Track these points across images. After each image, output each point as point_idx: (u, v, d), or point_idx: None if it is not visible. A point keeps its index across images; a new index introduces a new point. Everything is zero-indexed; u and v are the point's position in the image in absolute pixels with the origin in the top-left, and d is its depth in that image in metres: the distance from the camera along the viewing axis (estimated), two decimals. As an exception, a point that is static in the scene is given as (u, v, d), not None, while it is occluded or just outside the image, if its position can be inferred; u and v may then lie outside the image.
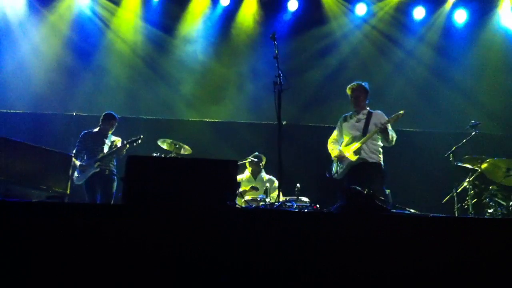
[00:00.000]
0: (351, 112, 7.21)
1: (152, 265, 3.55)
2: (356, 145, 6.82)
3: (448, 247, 3.82)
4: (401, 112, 6.77)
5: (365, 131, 6.87)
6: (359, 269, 3.70)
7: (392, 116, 6.79)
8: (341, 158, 6.96)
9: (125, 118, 9.28)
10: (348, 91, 7.13)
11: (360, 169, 6.76)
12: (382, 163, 6.94)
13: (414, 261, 3.76)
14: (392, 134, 6.85)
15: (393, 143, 6.90)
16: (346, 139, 7.06)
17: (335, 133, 7.31)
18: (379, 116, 6.98)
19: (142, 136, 8.06)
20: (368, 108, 7.10)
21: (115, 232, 3.64)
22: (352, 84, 7.15)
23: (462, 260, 3.79)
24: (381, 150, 7.00)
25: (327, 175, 7.18)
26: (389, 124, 6.79)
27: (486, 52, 10.65)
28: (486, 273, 3.75)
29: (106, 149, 8.08)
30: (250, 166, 8.60)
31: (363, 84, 7.12)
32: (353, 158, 6.81)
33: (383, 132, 6.73)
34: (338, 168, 7.00)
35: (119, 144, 8.16)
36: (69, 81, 10.11)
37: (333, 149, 7.15)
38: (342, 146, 7.07)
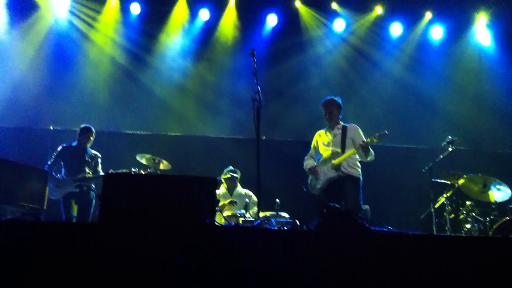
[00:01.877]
0: (325, 128, 7.23)
1: (129, 284, 3.51)
2: (335, 161, 6.83)
3: (426, 265, 3.84)
4: (386, 132, 6.82)
5: (343, 146, 6.90)
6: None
7: (377, 134, 6.81)
8: (316, 172, 6.98)
9: (103, 132, 9.19)
10: (322, 107, 7.17)
11: (338, 183, 6.79)
12: (360, 177, 6.94)
13: (393, 279, 3.77)
14: (371, 151, 6.90)
15: (372, 159, 6.95)
16: (324, 155, 7.04)
17: (311, 150, 7.33)
18: (353, 130, 7.05)
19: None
20: (341, 122, 7.15)
21: (91, 251, 3.59)
22: (325, 99, 7.19)
23: (440, 278, 3.82)
24: (359, 164, 7.01)
25: (305, 190, 7.17)
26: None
27: (461, 68, 10.82)
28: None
29: (86, 167, 7.99)
30: (226, 182, 8.54)
31: (335, 98, 7.17)
32: (333, 174, 6.83)
33: (365, 149, 6.77)
34: (316, 182, 7.01)
35: (99, 160, 8.16)
36: (45, 94, 9.95)
37: (308, 164, 7.18)
38: (320, 161, 7.07)
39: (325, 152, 7.04)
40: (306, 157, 7.34)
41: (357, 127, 7.10)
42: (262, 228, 4.94)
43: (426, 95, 10.55)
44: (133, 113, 10.17)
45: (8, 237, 3.65)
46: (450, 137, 7.96)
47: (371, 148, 6.90)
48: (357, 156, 6.98)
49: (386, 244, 3.98)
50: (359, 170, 6.97)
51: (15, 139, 9.39)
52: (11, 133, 9.55)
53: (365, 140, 6.80)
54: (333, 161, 6.85)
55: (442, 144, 8.07)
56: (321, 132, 7.26)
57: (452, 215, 7.68)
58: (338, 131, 7.04)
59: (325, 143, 7.09)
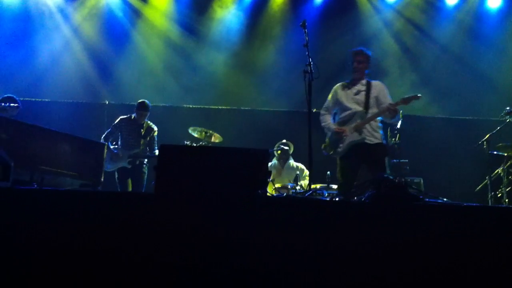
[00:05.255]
0: (348, 80, 6.46)
1: (183, 254, 3.59)
2: (357, 123, 6.15)
3: (483, 237, 3.77)
4: (418, 95, 6.03)
5: (366, 105, 6.17)
6: (391, 260, 3.69)
7: (407, 96, 6.05)
8: (340, 134, 6.24)
9: (157, 106, 9.35)
10: (352, 55, 6.41)
11: (362, 149, 6.13)
12: (384, 140, 6.32)
13: (447, 251, 3.73)
14: (399, 114, 6.24)
15: (397, 122, 6.33)
16: (345, 112, 6.32)
17: (327, 103, 6.53)
18: (379, 87, 6.29)
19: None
20: (366, 78, 6.38)
21: (146, 221, 3.69)
22: (356, 48, 6.49)
23: (497, 250, 3.74)
24: (381, 125, 6.33)
25: (325, 154, 6.48)
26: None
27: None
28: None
29: (141, 140, 8.20)
30: (278, 154, 8.60)
31: (366, 50, 6.44)
32: (355, 137, 6.14)
33: (392, 112, 6.09)
34: (337, 145, 6.28)
35: (155, 136, 8.35)
36: (101, 70, 10.26)
37: (329, 123, 6.43)
38: (340, 121, 6.36)
39: (346, 110, 6.28)
40: (321, 111, 6.54)
41: (383, 85, 6.36)
42: (313, 198, 4.96)
43: (483, 66, 10.24)
44: (185, 86, 10.32)
45: (68, 207, 3.78)
46: (508, 108, 7.74)
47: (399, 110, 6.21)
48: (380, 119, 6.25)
49: (441, 216, 3.92)
50: (381, 132, 6.27)
51: (74, 114, 9.75)
52: (69, 108, 9.93)
53: (391, 102, 6.12)
54: (356, 123, 6.15)
55: (500, 116, 7.86)
56: (344, 84, 6.45)
57: (509, 188, 7.51)
58: (362, 87, 6.27)
59: (347, 99, 6.31)
